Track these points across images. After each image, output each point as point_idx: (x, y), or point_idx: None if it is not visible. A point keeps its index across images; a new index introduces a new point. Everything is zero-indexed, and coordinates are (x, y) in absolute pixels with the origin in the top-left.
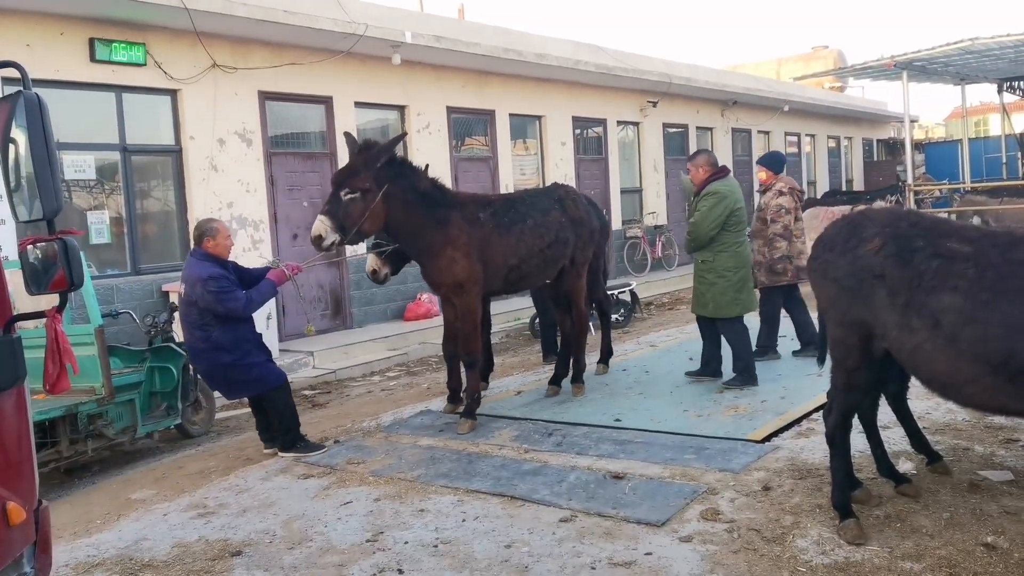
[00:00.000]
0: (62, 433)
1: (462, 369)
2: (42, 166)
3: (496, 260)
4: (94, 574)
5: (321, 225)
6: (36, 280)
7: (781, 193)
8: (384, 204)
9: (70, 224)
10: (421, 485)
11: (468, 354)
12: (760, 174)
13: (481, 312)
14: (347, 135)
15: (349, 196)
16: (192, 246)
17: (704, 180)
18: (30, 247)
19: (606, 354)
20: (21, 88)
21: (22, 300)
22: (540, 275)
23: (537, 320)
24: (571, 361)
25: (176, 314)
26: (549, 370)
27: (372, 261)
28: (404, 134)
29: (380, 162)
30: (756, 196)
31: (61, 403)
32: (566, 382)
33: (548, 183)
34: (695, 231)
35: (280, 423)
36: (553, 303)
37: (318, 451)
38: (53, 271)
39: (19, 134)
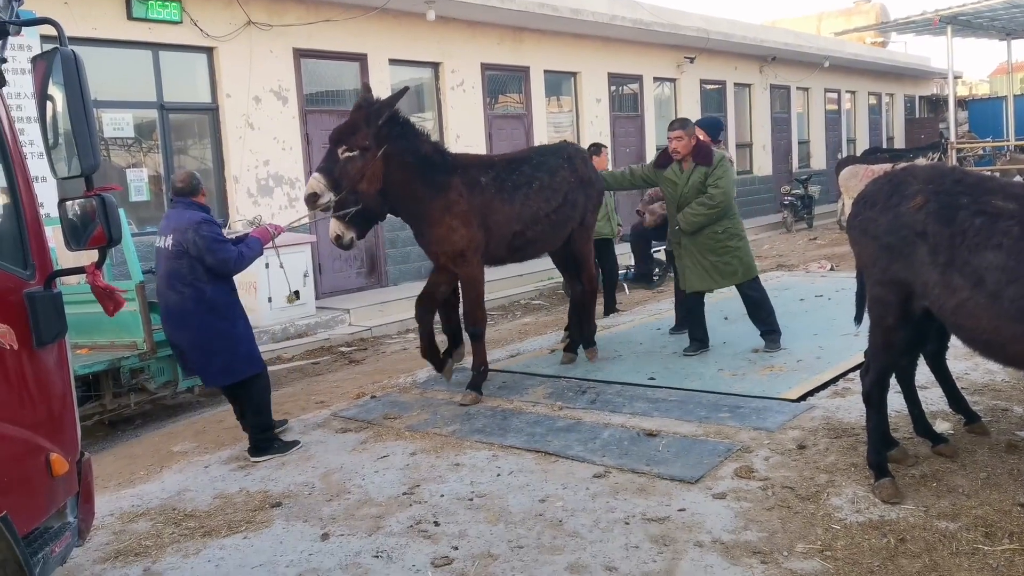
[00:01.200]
0: (106, 387)
1: (438, 334)
2: (79, 123)
3: (499, 227)
4: (139, 523)
5: (316, 183)
6: (75, 236)
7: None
8: (383, 164)
9: (108, 180)
10: (456, 440)
11: (474, 325)
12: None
13: (483, 278)
14: (364, 86)
15: (347, 154)
16: (173, 198)
17: (698, 148)
18: (68, 203)
19: (591, 332)
20: (58, 45)
21: (63, 256)
22: (549, 240)
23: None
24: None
25: None
26: None
27: (335, 226)
28: (406, 89)
29: (381, 119)
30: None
31: (104, 358)
32: (581, 351)
33: (583, 140)
34: (724, 202)
35: (256, 420)
36: (560, 268)
37: (295, 448)
38: (92, 227)
39: (56, 91)
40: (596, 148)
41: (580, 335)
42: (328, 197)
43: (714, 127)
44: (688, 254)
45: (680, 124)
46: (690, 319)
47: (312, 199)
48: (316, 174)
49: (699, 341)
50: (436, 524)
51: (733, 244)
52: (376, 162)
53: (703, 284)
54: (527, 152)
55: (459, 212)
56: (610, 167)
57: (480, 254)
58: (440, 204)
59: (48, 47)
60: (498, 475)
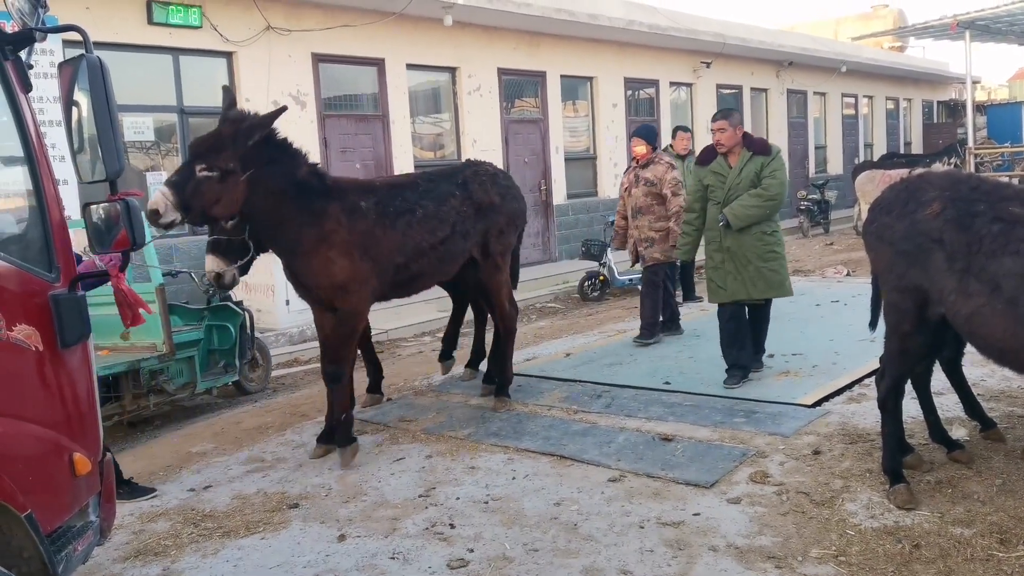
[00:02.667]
0: (126, 388)
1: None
2: (104, 128)
3: (382, 258)
4: (158, 523)
5: (161, 198)
6: (99, 239)
7: (672, 167)
8: (246, 190)
9: (130, 184)
10: (472, 443)
11: (336, 363)
12: (638, 147)
13: (366, 316)
14: (226, 90)
15: (205, 173)
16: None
17: (749, 138)
18: (93, 207)
19: (504, 380)
20: (83, 52)
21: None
22: (435, 275)
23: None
24: (497, 367)
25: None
26: (599, 333)
27: (213, 263)
28: (284, 108)
29: (252, 140)
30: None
31: (124, 359)
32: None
33: (598, 145)
34: (780, 195)
35: None
36: (458, 299)
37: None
38: (116, 231)
39: (82, 97)
40: (683, 128)
41: (482, 355)
42: (173, 216)
43: (654, 135)
44: (731, 257)
45: (723, 115)
46: (731, 341)
47: (154, 216)
48: (164, 187)
49: (742, 369)
50: (452, 526)
51: (780, 251)
52: (238, 187)
53: (746, 293)
54: (415, 176)
55: (338, 241)
56: (695, 150)
57: (368, 287)
58: (316, 233)
59: (70, 52)
60: (513, 478)
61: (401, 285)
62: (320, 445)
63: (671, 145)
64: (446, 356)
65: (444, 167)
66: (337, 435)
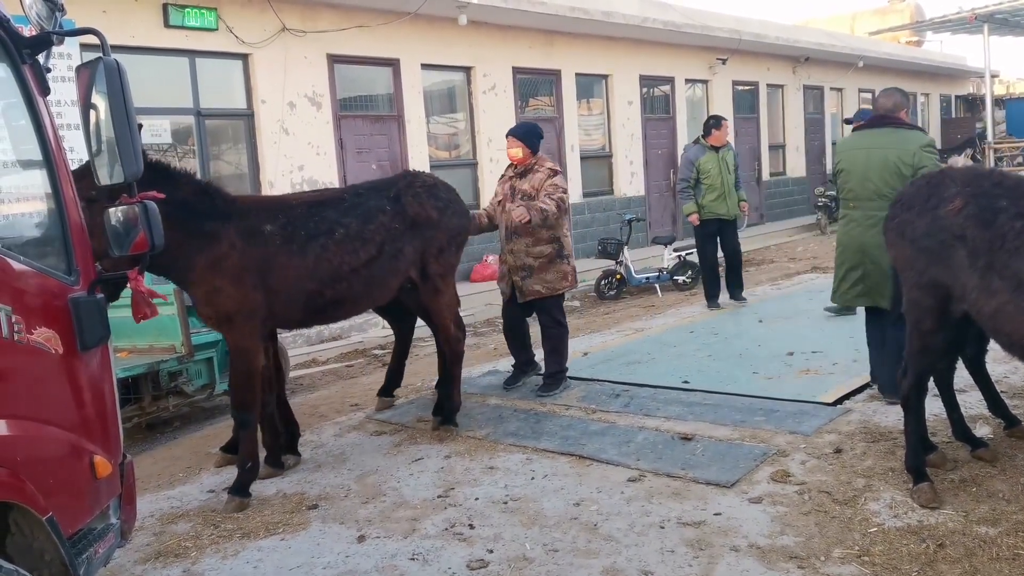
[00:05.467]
0: (145, 390)
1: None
2: (122, 130)
3: (286, 286)
4: (178, 524)
5: None
6: (118, 242)
7: (555, 172)
8: None
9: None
10: (490, 443)
11: (239, 408)
12: (514, 150)
13: (260, 355)
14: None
15: None
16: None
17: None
18: (112, 210)
19: (451, 408)
20: (101, 55)
21: None
22: (365, 299)
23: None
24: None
25: None
26: (616, 332)
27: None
28: (139, 125)
29: None
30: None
31: (143, 361)
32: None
33: (614, 143)
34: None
35: None
36: (398, 328)
37: None
38: (134, 234)
39: (100, 100)
40: (716, 121)
41: (395, 379)
42: None
43: (535, 136)
44: (880, 248)
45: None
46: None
47: None
48: None
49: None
50: (471, 527)
51: None
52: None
53: (883, 297)
54: (342, 191)
55: (227, 268)
56: (732, 140)
57: (256, 320)
58: (205, 259)
59: (87, 55)
60: (532, 478)
61: (319, 312)
62: (266, 467)
63: (701, 137)
64: (386, 392)
65: (379, 180)
66: (235, 482)
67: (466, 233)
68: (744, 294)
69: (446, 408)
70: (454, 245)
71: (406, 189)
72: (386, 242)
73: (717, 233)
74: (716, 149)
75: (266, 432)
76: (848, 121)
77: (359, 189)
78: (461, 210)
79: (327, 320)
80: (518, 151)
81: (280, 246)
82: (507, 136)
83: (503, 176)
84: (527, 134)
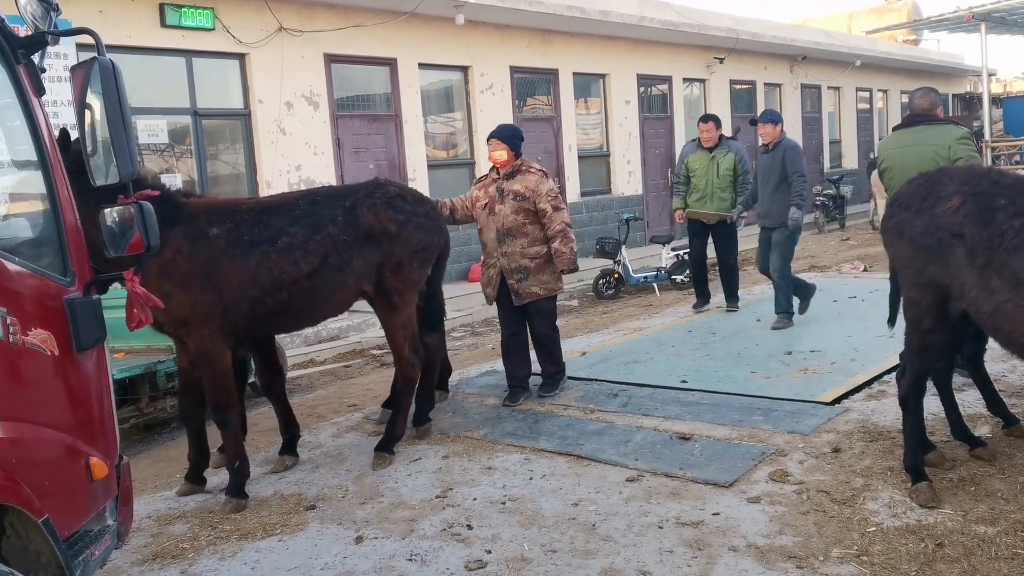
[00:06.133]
0: (142, 391)
1: (208, 434)
2: (117, 131)
3: (230, 291)
4: (176, 525)
5: None
6: (114, 243)
7: (546, 175)
8: None
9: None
10: (488, 443)
11: (215, 409)
12: (498, 152)
13: (225, 356)
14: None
15: None
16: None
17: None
18: (107, 210)
19: (391, 436)
20: (96, 55)
21: None
22: (309, 311)
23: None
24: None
25: None
26: (614, 331)
27: None
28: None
29: None
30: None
31: (140, 362)
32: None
33: (612, 142)
34: None
35: None
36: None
37: None
38: (130, 234)
39: (95, 100)
40: (703, 118)
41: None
42: None
43: (518, 139)
44: None
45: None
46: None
47: None
48: None
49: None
50: (469, 527)
51: None
52: None
53: None
54: (297, 197)
55: (174, 274)
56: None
57: (212, 322)
58: (154, 264)
59: (83, 55)
60: (530, 478)
61: (263, 320)
62: (186, 483)
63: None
64: (290, 450)
65: (343, 186)
66: (230, 483)
67: (433, 248)
68: (742, 292)
69: (386, 433)
70: (416, 261)
71: (364, 199)
72: (331, 254)
73: (703, 233)
74: (708, 149)
75: (192, 447)
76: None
77: (317, 196)
78: (429, 224)
79: (273, 330)
80: (503, 153)
81: (223, 250)
82: (489, 139)
83: (483, 179)
84: (511, 136)
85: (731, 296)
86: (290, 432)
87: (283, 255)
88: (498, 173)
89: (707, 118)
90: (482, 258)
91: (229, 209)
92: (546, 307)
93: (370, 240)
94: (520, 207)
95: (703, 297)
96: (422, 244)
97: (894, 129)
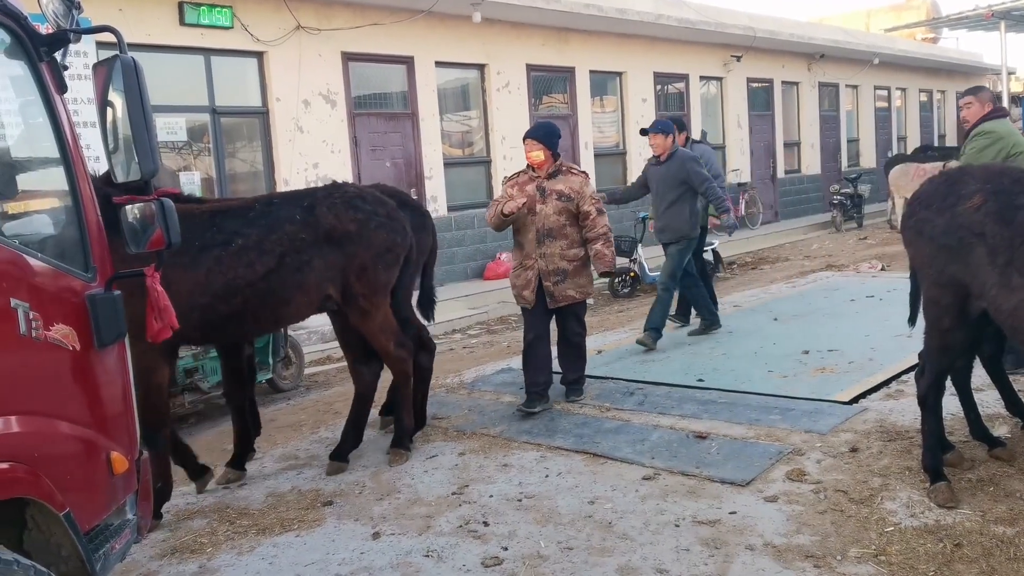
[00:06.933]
0: None
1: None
2: (139, 128)
3: (178, 299)
4: (194, 520)
5: None
6: (135, 239)
7: (588, 177)
8: None
9: (163, 184)
10: (504, 440)
11: (145, 426)
12: (535, 152)
13: (160, 372)
14: None
15: None
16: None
17: (981, 118)
18: (128, 207)
19: (402, 431)
20: (118, 52)
21: None
22: (268, 316)
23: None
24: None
25: None
26: (630, 330)
27: None
28: None
29: None
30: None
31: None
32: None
33: (628, 141)
34: None
35: None
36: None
37: None
38: (151, 231)
39: (116, 97)
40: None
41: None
42: None
43: (555, 137)
44: None
45: (972, 91)
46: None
47: None
48: None
49: None
50: (485, 524)
51: None
52: None
53: None
54: (253, 199)
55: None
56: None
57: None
58: None
59: (104, 53)
60: (546, 476)
61: (218, 327)
62: (228, 469)
63: (692, 139)
64: (236, 464)
65: (303, 189)
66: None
67: (398, 248)
68: (759, 291)
69: (396, 431)
70: (381, 263)
71: (323, 199)
72: (288, 253)
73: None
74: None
75: (236, 432)
76: (644, 132)
77: (274, 198)
78: (391, 224)
79: (228, 338)
80: (539, 153)
81: (172, 257)
82: (525, 139)
83: (516, 177)
84: (548, 135)
85: (682, 311)
86: (242, 447)
87: (237, 258)
88: (535, 172)
89: (651, 129)
90: (514, 260)
91: (180, 215)
92: (579, 309)
93: (331, 241)
94: (564, 208)
95: (683, 312)
96: (386, 245)
97: (986, 119)
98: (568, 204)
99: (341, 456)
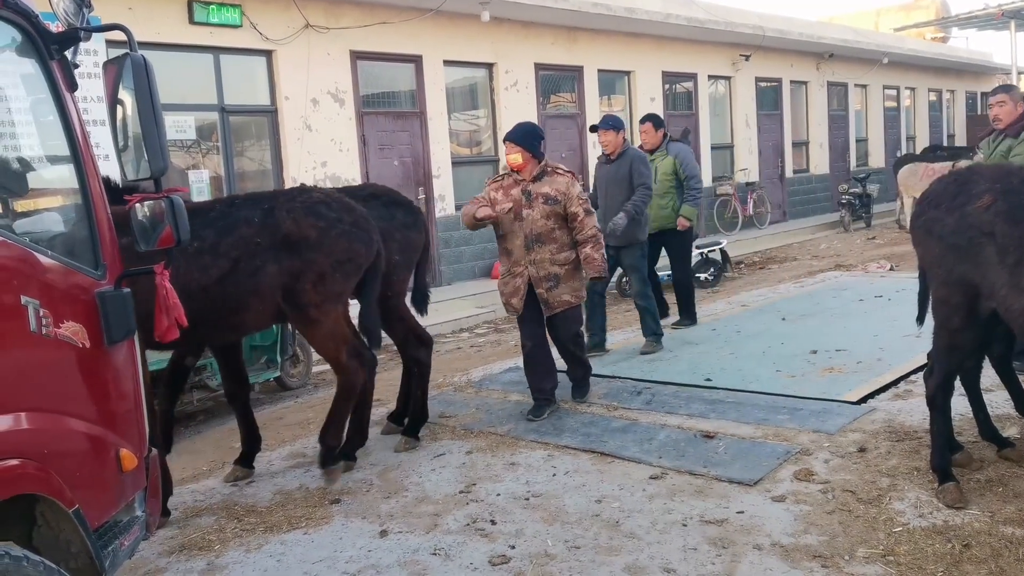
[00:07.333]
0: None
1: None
2: (149, 126)
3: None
4: (202, 517)
5: None
6: (144, 237)
7: (575, 176)
8: None
9: (172, 183)
10: (511, 439)
11: None
12: (514, 155)
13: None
14: None
15: None
16: None
17: (1020, 117)
18: (138, 204)
19: (414, 419)
20: (128, 51)
21: None
22: (223, 323)
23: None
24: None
25: None
26: (637, 329)
27: None
28: None
29: None
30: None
31: (168, 356)
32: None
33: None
34: None
35: None
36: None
37: None
38: (160, 228)
39: (126, 95)
40: (651, 118)
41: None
42: None
43: (537, 139)
44: None
45: (1004, 89)
46: None
47: None
48: None
49: None
50: (493, 523)
51: None
52: None
53: None
54: (214, 201)
55: None
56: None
57: None
58: None
59: (113, 51)
60: (554, 475)
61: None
62: (236, 467)
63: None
64: (244, 462)
65: (266, 191)
66: None
67: (360, 258)
68: (767, 291)
69: (321, 446)
70: (340, 272)
71: (284, 203)
72: (243, 258)
73: (652, 245)
74: (649, 152)
75: (242, 429)
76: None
77: (233, 200)
78: (354, 233)
79: (187, 344)
80: (518, 156)
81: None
82: (504, 141)
83: (500, 180)
84: (526, 136)
85: (684, 312)
86: (250, 445)
87: (192, 261)
88: (517, 174)
89: (645, 118)
90: (502, 267)
91: None
92: (573, 314)
93: (288, 247)
94: (551, 211)
95: (661, 311)
96: (347, 254)
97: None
98: (555, 207)
99: (347, 456)
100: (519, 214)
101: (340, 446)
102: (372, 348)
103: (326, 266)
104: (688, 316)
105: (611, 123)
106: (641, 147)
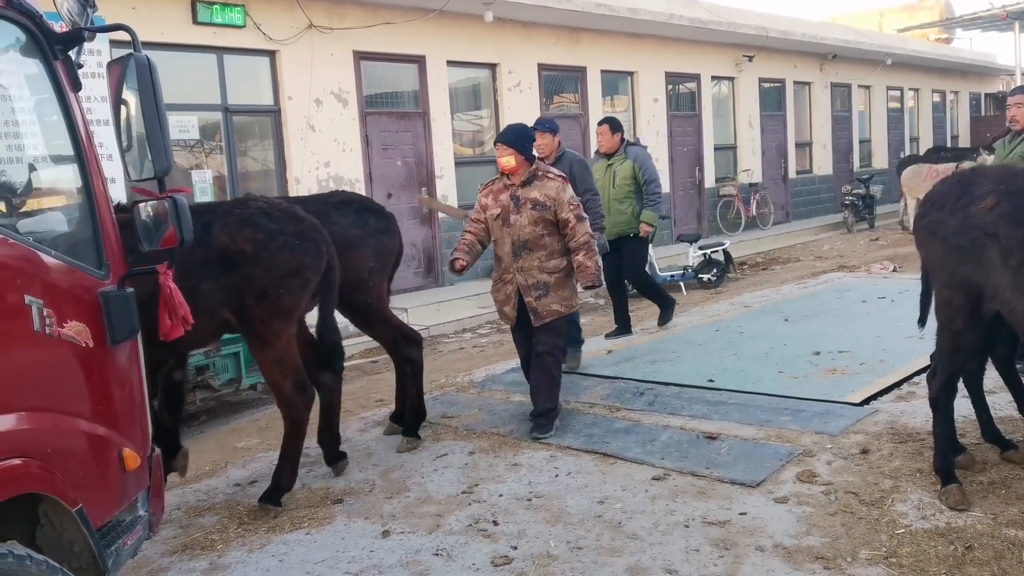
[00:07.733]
0: None
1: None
2: (152, 126)
3: None
4: (205, 517)
5: None
6: (148, 237)
7: (566, 181)
8: None
9: (176, 183)
10: (514, 440)
11: None
12: (506, 158)
13: None
14: None
15: None
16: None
17: None
18: (141, 205)
19: (413, 417)
20: (131, 51)
21: None
22: (161, 343)
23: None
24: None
25: None
26: (640, 330)
27: None
28: None
29: None
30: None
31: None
32: None
33: (638, 141)
34: None
35: None
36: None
37: None
38: (164, 228)
39: (130, 95)
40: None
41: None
42: None
43: (528, 140)
44: None
45: (1021, 90)
46: None
47: None
48: None
49: None
50: (495, 523)
51: None
52: None
53: None
54: None
55: None
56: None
57: None
58: None
59: (117, 52)
60: (556, 476)
61: None
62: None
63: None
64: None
65: (213, 202)
66: None
67: (307, 271)
68: (770, 292)
69: (271, 483)
70: (284, 287)
71: (222, 215)
72: (177, 275)
73: (614, 251)
74: (606, 156)
75: None
76: (534, 128)
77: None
78: (299, 245)
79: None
80: (510, 159)
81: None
82: (496, 144)
83: (491, 185)
84: (518, 138)
85: (664, 310)
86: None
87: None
88: (508, 179)
89: (602, 121)
90: (494, 273)
91: None
92: (560, 325)
93: (225, 262)
94: (539, 217)
95: (621, 326)
96: (290, 267)
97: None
98: (544, 212)
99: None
100: (507, 219)
101: (290, 489)
102: (336, 362)
103: (267, 281)
104: (667, 312)
105: (547, 126)
106: (598, 151)
